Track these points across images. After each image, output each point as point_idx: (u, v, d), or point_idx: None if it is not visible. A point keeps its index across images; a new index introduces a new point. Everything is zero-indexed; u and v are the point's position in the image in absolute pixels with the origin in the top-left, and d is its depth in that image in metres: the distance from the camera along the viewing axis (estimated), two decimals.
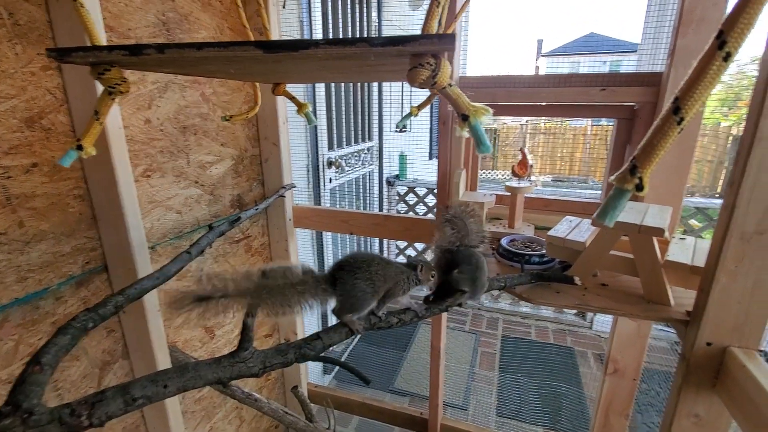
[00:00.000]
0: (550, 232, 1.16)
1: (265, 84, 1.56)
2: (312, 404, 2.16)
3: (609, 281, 1.17)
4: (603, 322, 3.58)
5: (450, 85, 0.48)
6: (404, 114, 1.21)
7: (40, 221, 1.02)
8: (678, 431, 0.98)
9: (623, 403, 1.68)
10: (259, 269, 0.73)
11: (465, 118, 0.48)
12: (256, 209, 1.59)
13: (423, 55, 0.47)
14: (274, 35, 1.66)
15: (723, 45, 0.35)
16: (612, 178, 0.39)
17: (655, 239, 1.02)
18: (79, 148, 0.58)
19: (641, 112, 1.42)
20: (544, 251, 1.23)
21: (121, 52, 0.50)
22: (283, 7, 1.93)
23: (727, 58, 0.35)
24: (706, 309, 0.88)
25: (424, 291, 0.96)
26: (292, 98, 1.12)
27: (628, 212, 1.08)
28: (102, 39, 0.98)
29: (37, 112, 1.00)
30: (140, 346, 1.26)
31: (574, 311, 3.76)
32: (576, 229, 1.18)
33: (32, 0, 0.96)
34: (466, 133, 0.49)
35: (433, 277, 0.90)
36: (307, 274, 0.77)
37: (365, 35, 3.13)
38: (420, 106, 1.19)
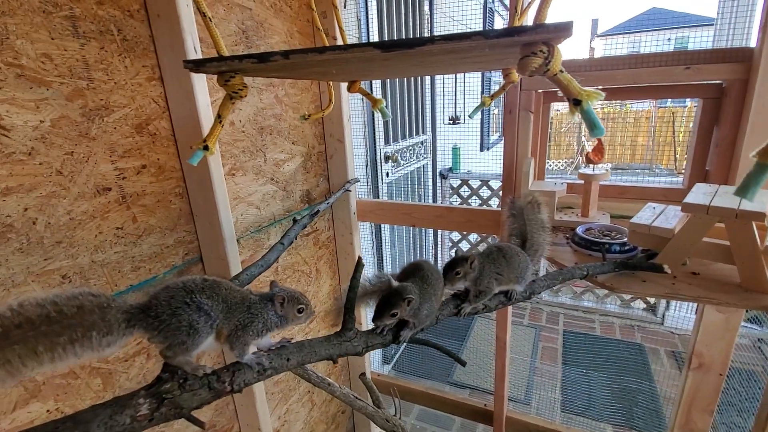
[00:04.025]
0: (633, 220, 1.12)
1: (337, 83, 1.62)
2: None
3: (700, 269, 1.11)
4: (676, 318, 3.35)
5: (561, 71, 0.49)
6: (476, 105, 1.22)
7: (149, 217, 1.15)
8: None
9: (708, 399, 1.58)
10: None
11: (577, 102, 0.49)
12: (327, 203, 1.67)
13: (534, 43, 0.48)
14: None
15: None
16: (753, 153, 0.38)
17: (754, 224, 0.96)
18: (206, 148, 0.65)
19: (730, 90, 1.32)
20: (625, 239, 1.18)
21: (251, 60, 0.56)
22: (344, 7, 1.99)
23: None
24: None
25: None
26: (367, 94, 1.17)
27: (723, 196, 1.02)
28: (220, 50, 1.07)
29: (144, 119, 1.11)
30: None
31: (643, 306, 3.55)
32: (661, 216, 1.12)
33: (136, 17, 1.07)
34: (577, 118, 0.50)
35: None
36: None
37: (417, 28, 3.13)
38: (493, 96, 1.19)
